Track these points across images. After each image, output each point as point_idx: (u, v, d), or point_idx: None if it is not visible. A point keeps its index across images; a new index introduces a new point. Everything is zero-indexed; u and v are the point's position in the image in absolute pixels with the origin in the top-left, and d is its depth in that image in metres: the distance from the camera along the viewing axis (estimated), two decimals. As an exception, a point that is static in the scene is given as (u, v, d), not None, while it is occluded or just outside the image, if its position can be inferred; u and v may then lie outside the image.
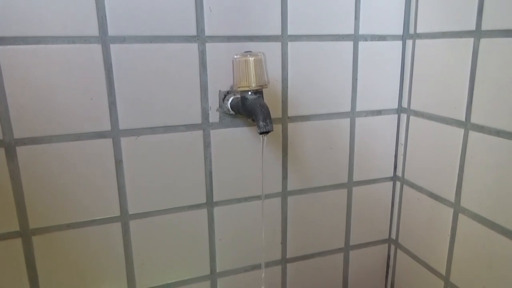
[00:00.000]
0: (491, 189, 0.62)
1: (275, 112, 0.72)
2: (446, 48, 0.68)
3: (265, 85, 0.59)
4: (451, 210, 0.70)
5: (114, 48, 0.60)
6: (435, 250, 0.75)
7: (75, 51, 0.59)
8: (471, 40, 0.63)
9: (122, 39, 0.61)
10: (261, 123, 0.55)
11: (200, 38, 0.65)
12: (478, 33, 0.62)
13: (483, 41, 0.61)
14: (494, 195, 0.62)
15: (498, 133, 0.60)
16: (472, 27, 0.62)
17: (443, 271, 0.74)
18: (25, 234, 0.62)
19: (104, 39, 0.60)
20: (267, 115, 0.56)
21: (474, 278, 0.67)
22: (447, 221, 0.71)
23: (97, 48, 0.60)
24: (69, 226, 0.64)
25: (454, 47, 0.67)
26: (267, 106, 0.57)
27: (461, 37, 0.65)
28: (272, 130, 0.56)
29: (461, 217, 0.68)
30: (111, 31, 0.60)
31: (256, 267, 0.78)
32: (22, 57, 0.57)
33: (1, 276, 0.62)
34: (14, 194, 0.60)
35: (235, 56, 0.59)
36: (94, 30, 0.59)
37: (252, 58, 0.58)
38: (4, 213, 0.60)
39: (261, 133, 0.56)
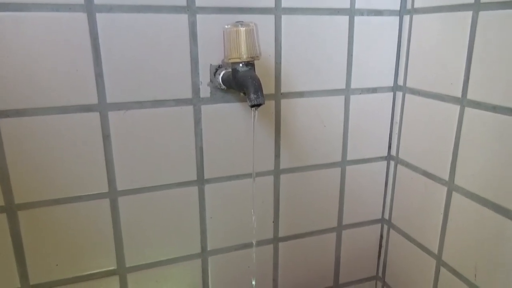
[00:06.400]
0: (485, 166, 0.61)
1: (268, 88, 0.71)
2: (444, 23, 0.67)
3: (257, 56, 0.57)
4: (445, 189, 0.70)
5: (100, 17, 0.58)
6: (428, 229, 0.75)
7: (59, 20, 0.56)
8: (469, 14, 0.61)
9: (109, 8, 0.58)
10: (252, 95, 0.54)
11: (190, 8, 0.62)
12: (477, 6, 0.60)
13: (482, 14, 0.59)
14: (488, 172, 0.61)
15: (495, 108, 0.58)
16: (471, -1, 0.60)
17: (435, 250, 0.73)
18: (11, 209, 0.61)
19: (89, 7, 0.57)
20: (258, 87, 0.54)
21: (466, 257, 0.66)
22: (441, 200, 0.71)
23: (82, 17, 0.57)
24: (56, 201, 0.63)
25: (452, 21, 0.65)
26: (258, 78, 0.55)
27: (459, 10, 0.63)
28: (264, 103, 0.55)
29: (454, 195, 0.68)
30: (97, -1, 0.57)
31: (248, 245, 0.78)
32: (3, 25, 0.54)
33: (-14, 252, 0.61)
34: (-2, 168, 0.59)
35: (226, 26, 0.57)
36: (79, -2, 0.57)
37: (244, 28, 0.56)
38: (-12, 187, 0.59)
39: (252, 106, 0.54)
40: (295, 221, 0.80)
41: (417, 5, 0.72)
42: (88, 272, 0.68)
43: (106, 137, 0.63)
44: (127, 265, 0.70)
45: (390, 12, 0.75)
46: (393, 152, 0.83)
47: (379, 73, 0.78)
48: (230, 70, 0.61)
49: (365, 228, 0.87)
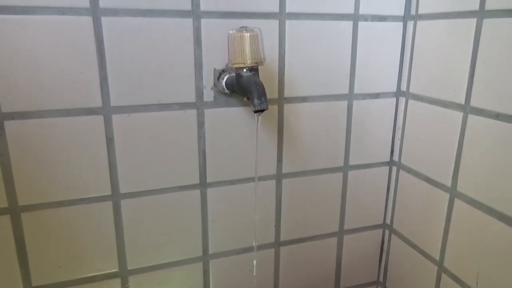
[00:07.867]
0: (488, 173, 0.61)
1: (271, 92, 0.71)
2: (448, 30, 0.67)
3: (261, 62, 0.57)
4: (447, 195, 0.69)
5: (105, 21, 0.58)
6: (430, 236, 0.75)
7: (65, 23, 0.57)
8: (473, 21, 0.61)
9: (114, 12, 0.59)
10: (255, 101, 0.54)
11: (195, 13, 0.62)
12: (481, 13, 0.60)
13: (486, 22, 0.59)
14: (491, 179, 0.61)
15: (498, 116, 0.58)
16: (476, 7, 0.60)
17: (437, 256, 0.73)
18: (14, 211, 0.61)
19: (95, 11, 0.58)
20: (262, 93, 0.54)
21: (468, 264, 0.66)
22: (443, 206, 0.70)
23: (87, 20, 0.58)
24: (59, 204, 0.63)
25: (456, 28, 0.65)
26: (262, 84, 0.55)
27: (463, 17, 0.63)
28: (267, 109, 0.55)
29: (457, 202, 0.68)
30: (103, 3, 0.58)
31: (249, 249, 0.78)
32: (9, 27, 0.55)
33: (-11, 253, 0.61)
34: (2, 169, 0.59)
35: (231, 31, 0.57)
36: (84, 1, 0.57)
37: (248, 34, 0.56)
38: (-8, 189, 0.59)
39: (256, 111, 0.54)
40: (296, 226, 0.80)
41: (421, 11, 0.72)
42: (90, 274, 0.68)
43: (109, 140, 0.63)
44: (129, 268, 0.70)
45: (394, 18, 0.75)
46: (396, 158, 0.83)
47: (382, 79, 0.78)
48: (234, 74, 0.62)
49: (367, 233, 0.87)
